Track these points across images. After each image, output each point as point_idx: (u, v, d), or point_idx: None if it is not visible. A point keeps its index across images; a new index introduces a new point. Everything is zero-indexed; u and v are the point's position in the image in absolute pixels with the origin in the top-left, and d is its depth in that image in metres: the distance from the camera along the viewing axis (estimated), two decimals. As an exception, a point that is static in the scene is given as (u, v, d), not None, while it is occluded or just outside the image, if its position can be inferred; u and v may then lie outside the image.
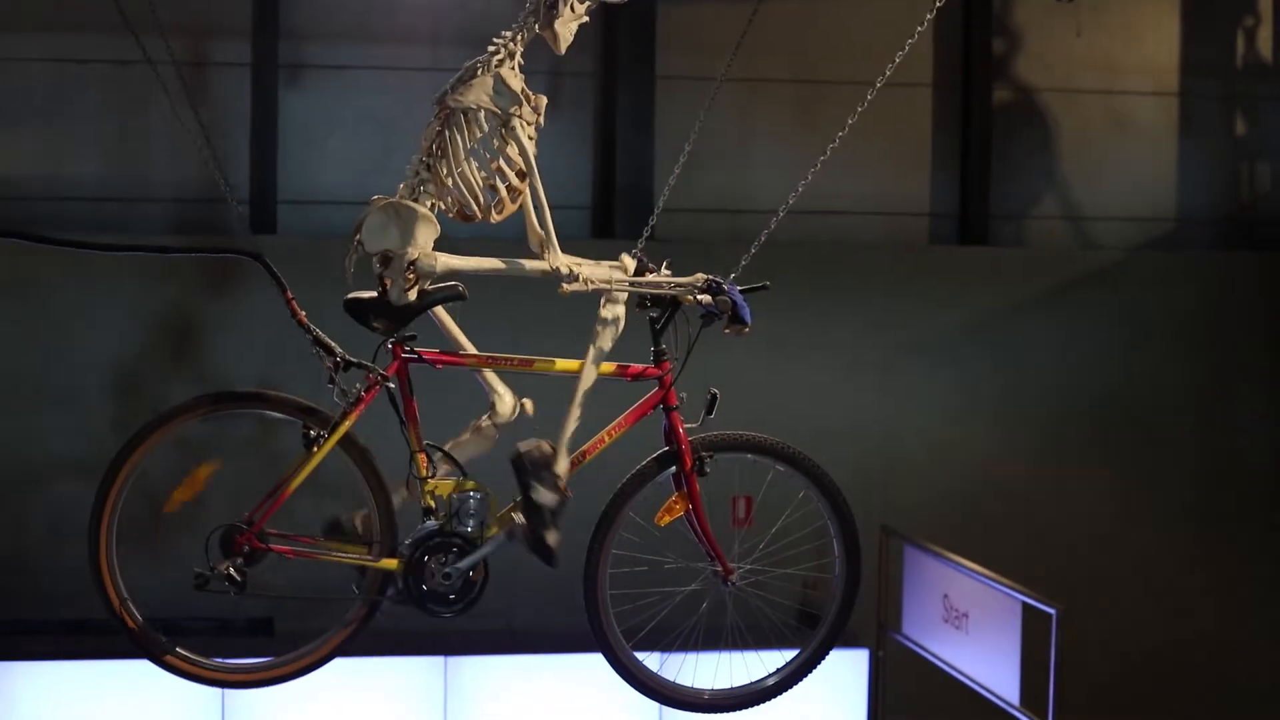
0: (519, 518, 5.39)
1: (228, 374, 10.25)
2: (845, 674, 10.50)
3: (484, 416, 5.50)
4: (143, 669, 5.71)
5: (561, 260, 5.34)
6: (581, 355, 5.42)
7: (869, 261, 11.60)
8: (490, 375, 5.48)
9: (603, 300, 5.44)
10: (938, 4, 5.83)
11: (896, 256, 11.74)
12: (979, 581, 9.48)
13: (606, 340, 5.44)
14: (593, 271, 5.39)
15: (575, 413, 5.39)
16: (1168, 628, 11.81)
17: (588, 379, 5.39)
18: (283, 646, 5.67)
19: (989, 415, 11.64)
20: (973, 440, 11.59)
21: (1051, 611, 8.75)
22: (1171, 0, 12.39)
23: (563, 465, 5.35)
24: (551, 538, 5.33)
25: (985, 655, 9.36)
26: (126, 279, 10.34)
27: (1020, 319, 11.75)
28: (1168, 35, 12.55)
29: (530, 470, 5.32)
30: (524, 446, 5.37)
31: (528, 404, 5.49)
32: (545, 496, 5.31)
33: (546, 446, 5.36)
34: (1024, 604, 9.00)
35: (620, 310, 5.44)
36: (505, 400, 5.48)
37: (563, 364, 5.46)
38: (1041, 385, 11.75)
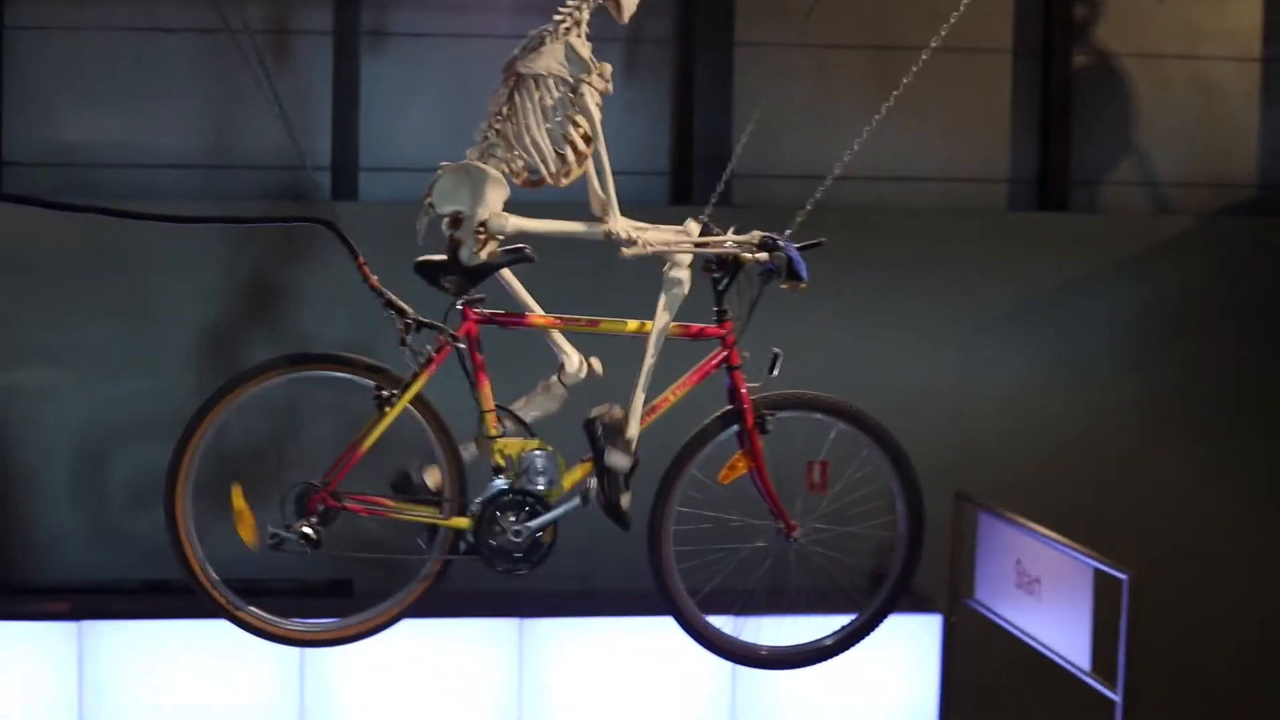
0: (592, 482, 5.50)
1: (309, 339, 10.36)
2: (918, 639, 10.55)
3: (552, 376, 5.63)
4: (222, 629, 5.87)
5: (621, 224, 5.45)
6: (645, 317, 5.53)
7: (947, 228, 11.59)
8: (558, 336, 5.61)
9: (666, 264, 5.54)
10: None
11: (975, 222, 11.72)
12: (1051, 547, 9.51)
13: (672, 303, 5.53)
14: (654, 235, 5.50)
15: (645, 377, 5.48)
16: (1243, 601, 11.77)
17: (656, 340, 5.49)
18: (362, 606, 5.81)
19: (1066, 382, 11.62)
20: (1049, 407, 11.58)
21: (1123, 577, 8.77)
22: (1256, -34, 12.30)
23: (634, 430, 5.44)
24: (624, 501, 5.45)
25: (1057, 620, 9.38)
26: (210, 246, 10.45)
27: (1101, 285, 11.70)
28: (1251, 1, 12.44)
29: (603, 435, 5.43)
30: (596, 411, 5.49)
31: (595, 363, 5.62)
32: (618, 461, 5.42)
33: (618, 411, 5.46)
34: (1095, 569, 9.02)
35: (684, 274, 5.54)
36: (572, 360, 5.62)
37: (630, 325, 5.57)
38: (1121, 352, 11.71)
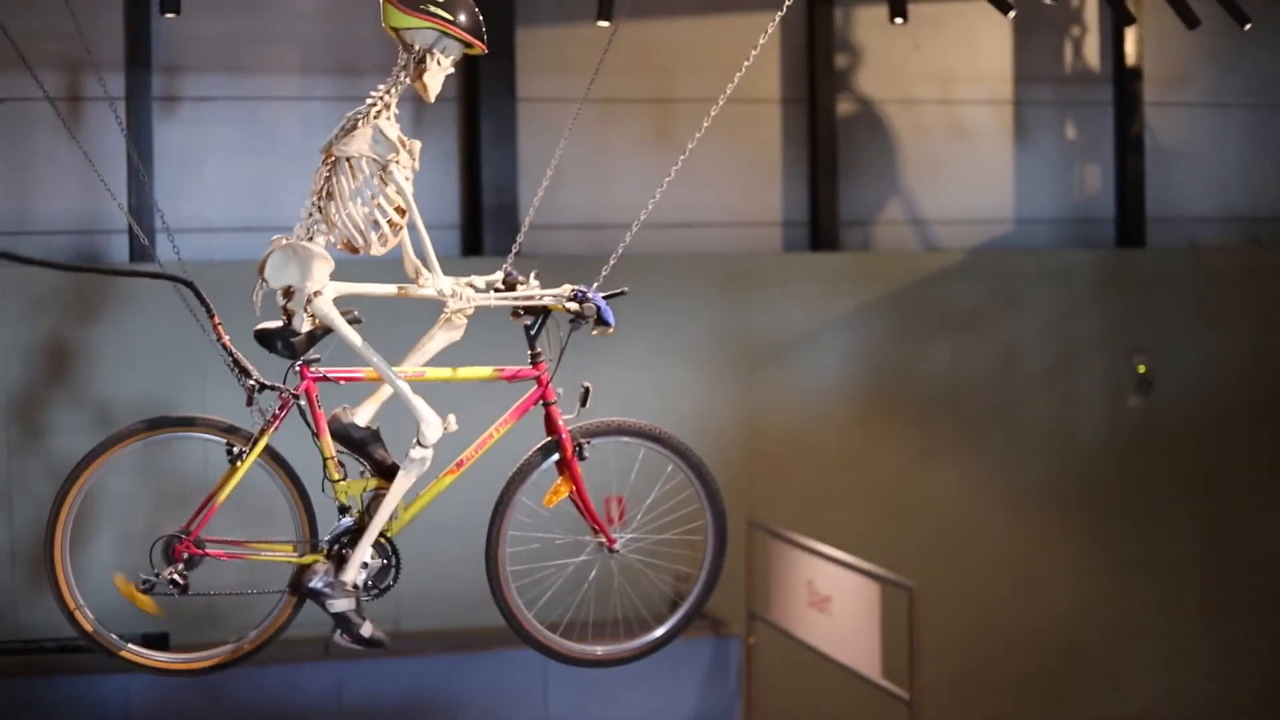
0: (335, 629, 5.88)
1: (111, 399, 10.50)
2: (718, 661, 10.98)
3: (444, 313, 6.00)
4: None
5: (445, 282, 5.88)
6: (470, 361, 5.96)
7: (726, 270, 12.15)
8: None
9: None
10: (773, 23, 6.30)
11: (752, 264, 12.28)
12: (839, 566, 10.06)
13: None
14: (472, 292, 5.93)
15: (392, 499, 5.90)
16: (1020, 607, 12.54)
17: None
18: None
19: (846, 411, 12.22)
20: (831, 434, 12.19)
21: (909, 586, 9.38)
22: (1004, 14, 13.05)
23: (351, 573, 5.86)
24: (366, 630, 5.87)
25: (848, 635, 9.94)
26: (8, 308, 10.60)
27: (871, 318, 12.35)
28: (1001, 46, 13.22)
29: (318, 594, 5.84)
30: (303, 574, 5.88)
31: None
32: (340, 605, 5.84)
33: (321, 565, 5.86)
34: (882, 583, 9.61)
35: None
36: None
37: (466, 373, 5.99)
38: (896, 379, 12.39)
